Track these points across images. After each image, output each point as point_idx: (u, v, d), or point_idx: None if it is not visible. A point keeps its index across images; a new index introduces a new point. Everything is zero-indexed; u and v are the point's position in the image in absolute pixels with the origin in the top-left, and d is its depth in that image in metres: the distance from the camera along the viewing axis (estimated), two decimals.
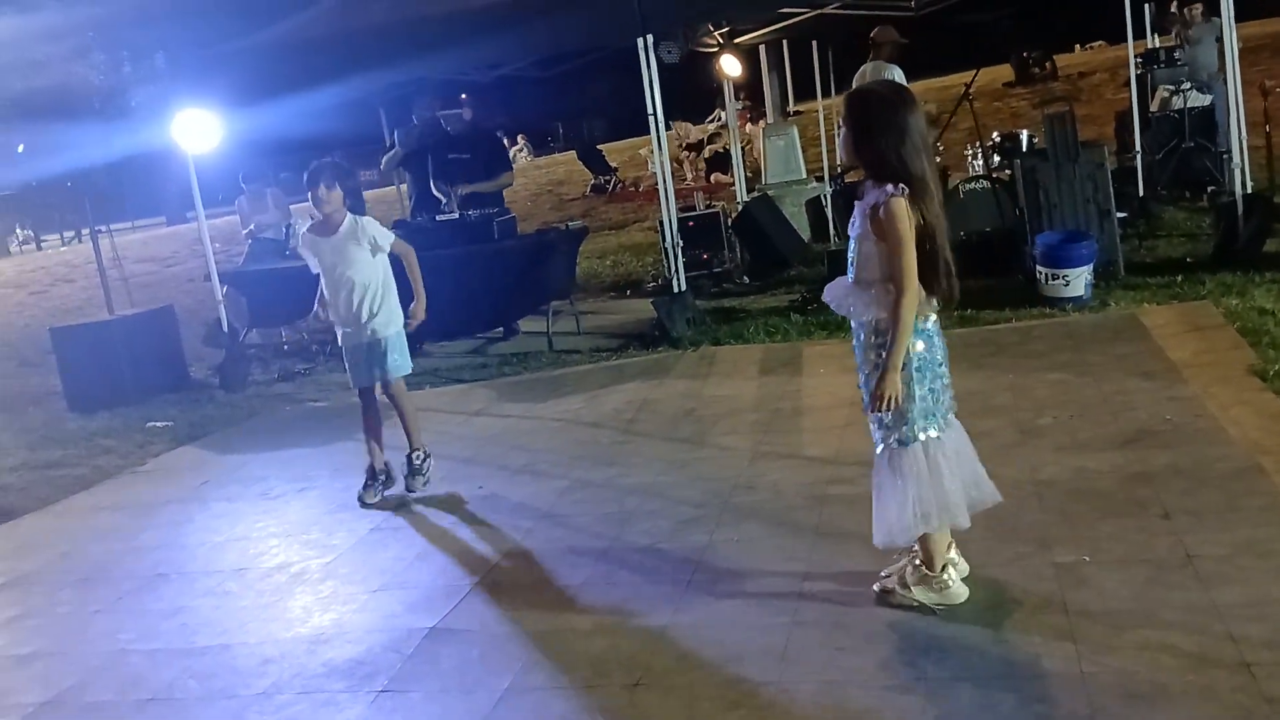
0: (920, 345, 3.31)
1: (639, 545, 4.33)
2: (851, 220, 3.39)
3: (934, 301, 3.33)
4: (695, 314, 8.25)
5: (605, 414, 6.37)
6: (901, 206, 3.17)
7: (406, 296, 5.41)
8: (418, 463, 5.38)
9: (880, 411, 3.29)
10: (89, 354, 8.63)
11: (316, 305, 5.42)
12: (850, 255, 3.41)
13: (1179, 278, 7.30)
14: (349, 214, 5.22)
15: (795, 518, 4.37)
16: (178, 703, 3.59)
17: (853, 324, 3.45)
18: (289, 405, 7.91)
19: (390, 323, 5.28)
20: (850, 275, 3.40)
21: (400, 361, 5.33)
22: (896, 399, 3.26)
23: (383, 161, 10.22)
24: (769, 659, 3.27)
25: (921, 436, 3.34)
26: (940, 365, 3.39)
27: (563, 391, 7.09)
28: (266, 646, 3.91)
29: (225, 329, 8.98)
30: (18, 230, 36.89)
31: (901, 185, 3.18)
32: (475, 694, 3.35)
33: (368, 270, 5.20)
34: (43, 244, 35.73)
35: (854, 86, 8.08)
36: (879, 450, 3.44)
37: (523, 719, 3.18)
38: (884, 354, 3.27)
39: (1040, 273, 7.29)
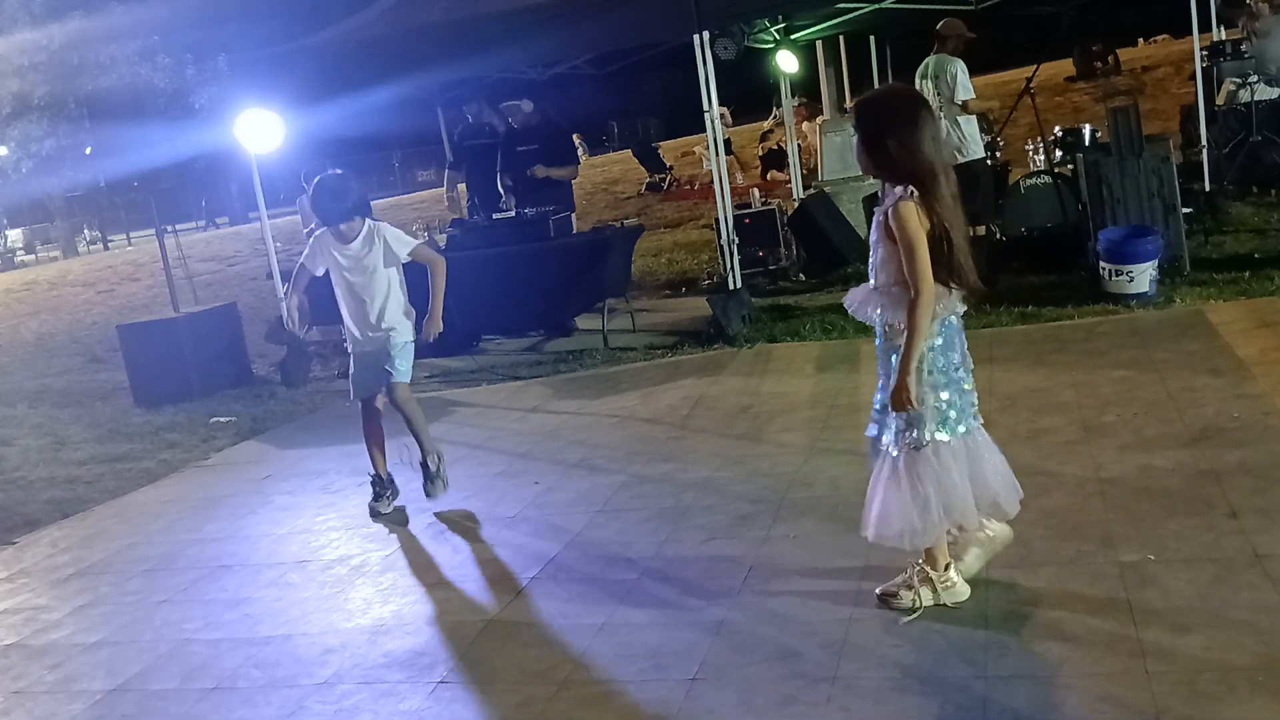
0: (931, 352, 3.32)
1: (695, 540, 4.33)
2: (872, 226, 3.42)
3: (956, 297, 3.33)
4: (751, 311, 8.23)
5: (661, 410, 6.37)
6: (910, 209, 3.19)
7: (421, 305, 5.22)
8: (433, 468, 5.19)
9: (900, 413, 3.29)
10: (155, 350, 8.78)
11: (287, 312, 5.19)
12: (870, 260, 3.42)
13: (1246, 273, 7.16)
14: (366, 221, 5.07)
15: (853, 514, 4.29)
16: (240, 691, 3.65)
17: (876, 328, 3.46)
18: (349, 401, 7.95)
19: (404, 331, 5.14)
20: (871, 281, 3.42)
21: (404, 368, 5.15)
22: (914, 400, 3.26)
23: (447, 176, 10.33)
24: (826, 654, 3.26)
25: (929, 439, 3.33)
26: (957, 370, 3.38)
27: (618, 388, 7.11)
28: (328, 637, 3.96)
29: (286, 326, 9.10)
30: (85, 230, 37.68)
31: (910, 188, 3.20)
32: (533, 685, 3.37)
33: (382, 278, 5.06)
34: (109, 244, 36.45)
35: (914, 83, 8.01)
36: (889, 451, 3.42)
37: (581, 711, 3.19)
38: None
39: (1104, 269, 7.18)
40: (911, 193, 3.20)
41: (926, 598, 3.43)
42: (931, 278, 3.20)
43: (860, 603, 3.55)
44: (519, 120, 9.54)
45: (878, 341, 3.45)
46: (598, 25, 8.22)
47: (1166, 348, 5.96)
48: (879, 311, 3.36)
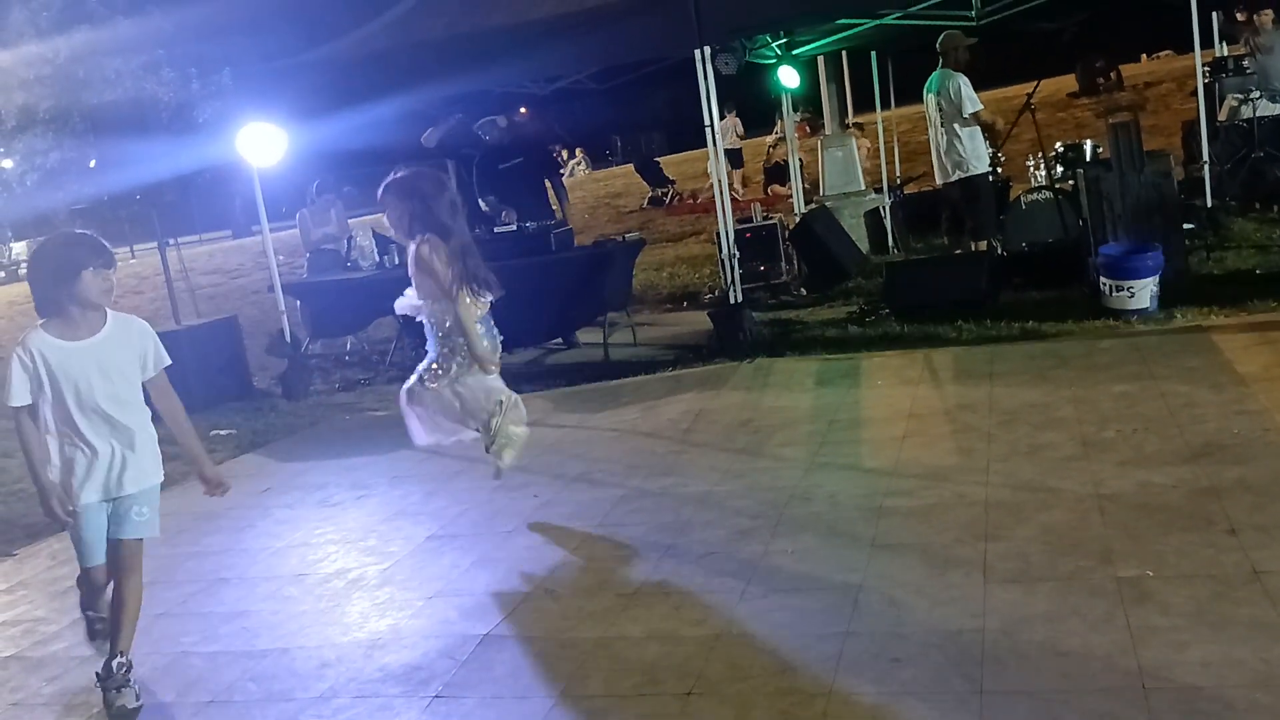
0: None
1: (694, 554, 4.32)
2: None
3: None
4: (752, 325, 8.22)
5: (661, 424, 6.36)
6: (425, 250, 4.66)
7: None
8: (118, 671, 3.60)
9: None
10: None
11: (53, 497, 3.58)
12: None
13: (1248, 290, 7.14)
14: (110, 312, 3.65)
15: (852, 529, 4.33)
16: (237, 705, 3.64)
17: None
18: (349, 414, 8.00)
19: (151, 473, 3.92)
20: None
21: (149, 518, 3.86)
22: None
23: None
24: (823, 669, 3.24)
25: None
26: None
27: (619, 402, 7.10)
28: (324, 651, 3.96)
29: (288, 339, 9.11)
30: None
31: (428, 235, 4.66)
32: (529, 700, 3.36)
33: (132, 395, 3.76)
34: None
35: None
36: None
37: None
38: None
39: (1104, 284, 7.18)
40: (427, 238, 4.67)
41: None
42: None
43: (857, 617, 3.55)
44: (495, 137, 9.48)
45: None
46: (600, 40, 8.25)
47: (1167, 364, 5.96)
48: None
